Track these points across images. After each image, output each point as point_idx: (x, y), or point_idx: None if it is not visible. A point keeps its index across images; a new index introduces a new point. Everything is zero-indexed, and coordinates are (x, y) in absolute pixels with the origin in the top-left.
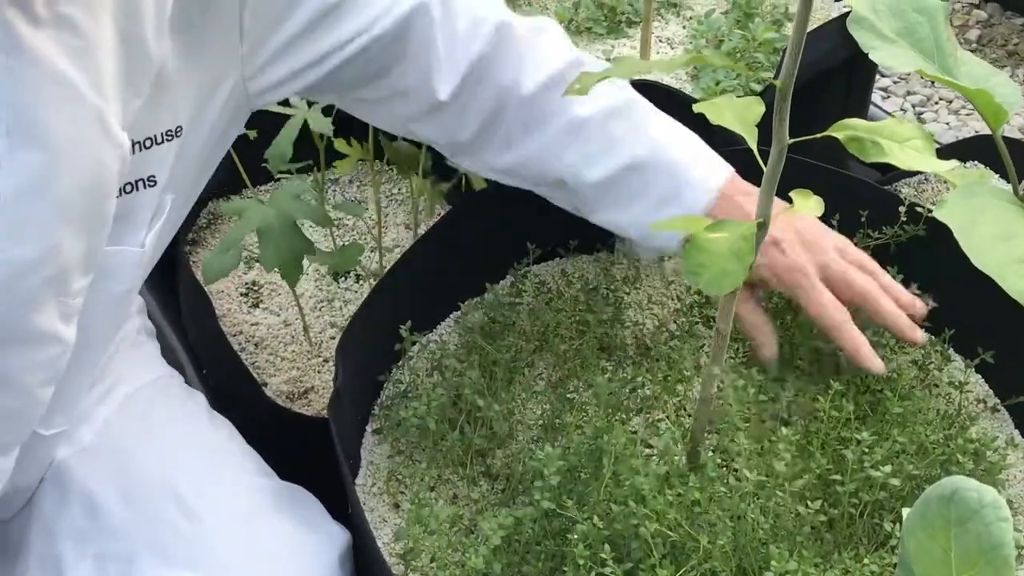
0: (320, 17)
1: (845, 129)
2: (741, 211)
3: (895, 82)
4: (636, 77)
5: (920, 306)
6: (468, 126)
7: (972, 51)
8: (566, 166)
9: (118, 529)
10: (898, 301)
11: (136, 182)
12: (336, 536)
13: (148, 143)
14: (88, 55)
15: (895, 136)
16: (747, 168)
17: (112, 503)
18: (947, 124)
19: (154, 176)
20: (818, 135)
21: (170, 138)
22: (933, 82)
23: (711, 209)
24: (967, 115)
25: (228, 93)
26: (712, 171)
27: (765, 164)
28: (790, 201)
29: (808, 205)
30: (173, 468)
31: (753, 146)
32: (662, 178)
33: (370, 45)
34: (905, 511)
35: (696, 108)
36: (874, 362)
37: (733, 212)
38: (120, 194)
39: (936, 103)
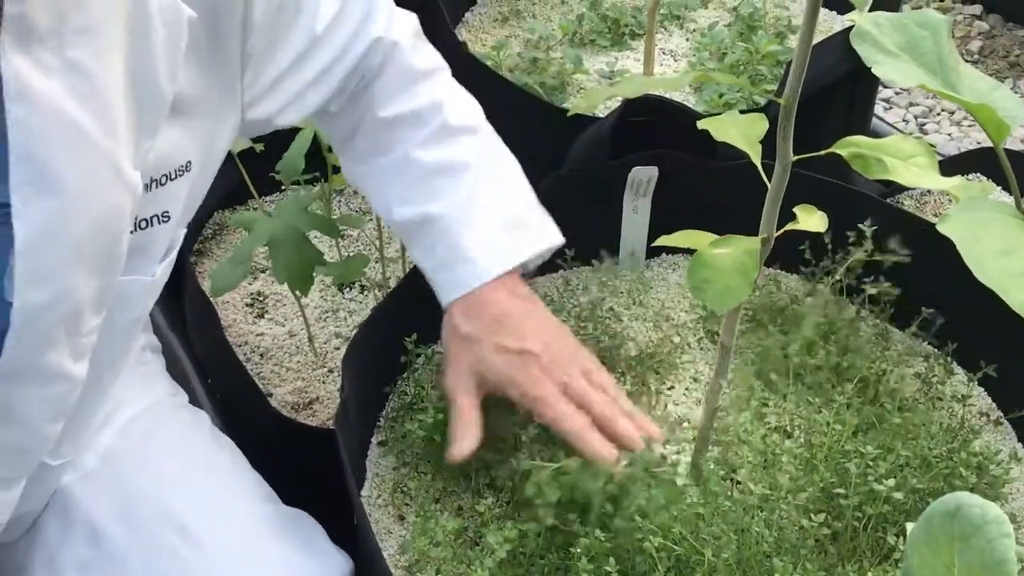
0: (310, 44)
1: (849, 146)
2: (496, 307)
3: (897, 93)
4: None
5: (654, 431)
6: (341, 131)
7: (974, 62)
8: (385, 196)
9: (119, 556)
10: (633, 421)
11: (151, 218)
12: (338, 563)
13: (163, 179)
14: (98, 98)
15: (899, 153)
16: (751, 184)
17: (114, 530)
18: (949, 135)
19: (168, 212)
20: (822, 152)
21: (181, 173)
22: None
23: (484, 292)
24: (969, 126)
25: (231, 126)
26: (496, 263)
27: (769, 179)
28: (793, 216)
29: (812, 221)
30: (174, 494)
31: (757, 161)
32: (444, 247)
33: (350, 70)
34: (909, 525)
35: (700, 125)
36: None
37: (489, 306)
38: (135, 229)
39: (938, 114)
